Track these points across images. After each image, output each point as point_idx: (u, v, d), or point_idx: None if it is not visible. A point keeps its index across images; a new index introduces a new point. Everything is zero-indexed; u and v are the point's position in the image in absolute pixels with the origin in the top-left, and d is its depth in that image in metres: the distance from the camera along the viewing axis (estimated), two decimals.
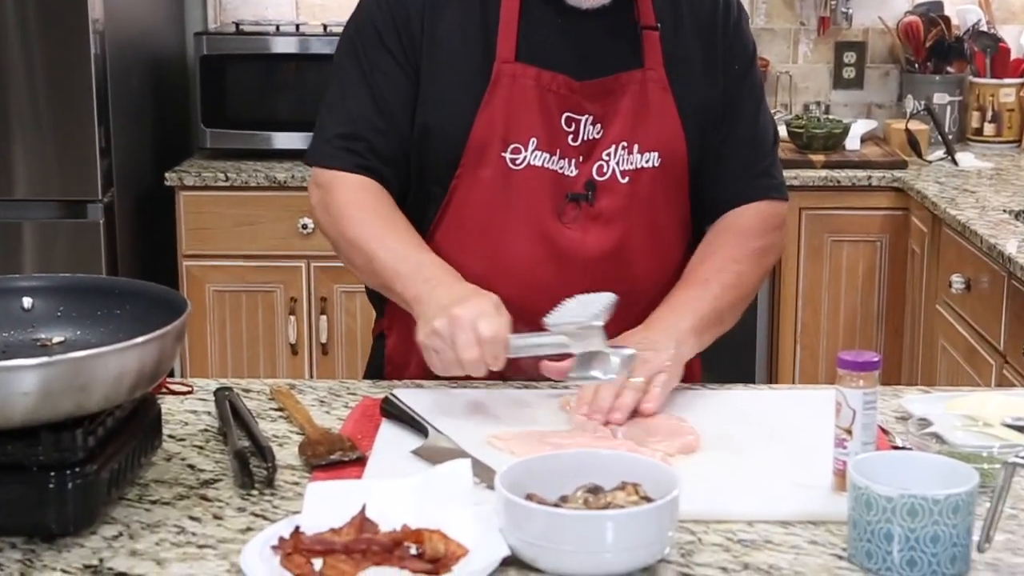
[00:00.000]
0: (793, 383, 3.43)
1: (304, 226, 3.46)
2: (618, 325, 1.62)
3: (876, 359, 1.31)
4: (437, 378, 1.72)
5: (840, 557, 1.21)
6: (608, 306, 1.46)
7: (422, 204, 1.72)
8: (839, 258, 3.46)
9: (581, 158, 1.68)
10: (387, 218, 1.67)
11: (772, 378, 3.52)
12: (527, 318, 1.65)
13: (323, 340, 3.52)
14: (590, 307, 1.46)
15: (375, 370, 1.83)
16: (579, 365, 1.47)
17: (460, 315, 1.48)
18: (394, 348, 1.80)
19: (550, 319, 1.46)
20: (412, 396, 1.58)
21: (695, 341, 1.62)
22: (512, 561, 1.17)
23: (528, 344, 1.49)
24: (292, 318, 3.51)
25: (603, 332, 1.44)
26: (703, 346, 1.64)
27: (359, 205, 1.68)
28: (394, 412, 1.53)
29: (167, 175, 3.46)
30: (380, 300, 1.80)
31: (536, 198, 1.67)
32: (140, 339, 1.26)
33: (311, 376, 3.49)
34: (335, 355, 3.54)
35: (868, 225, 3.45)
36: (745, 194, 1.74)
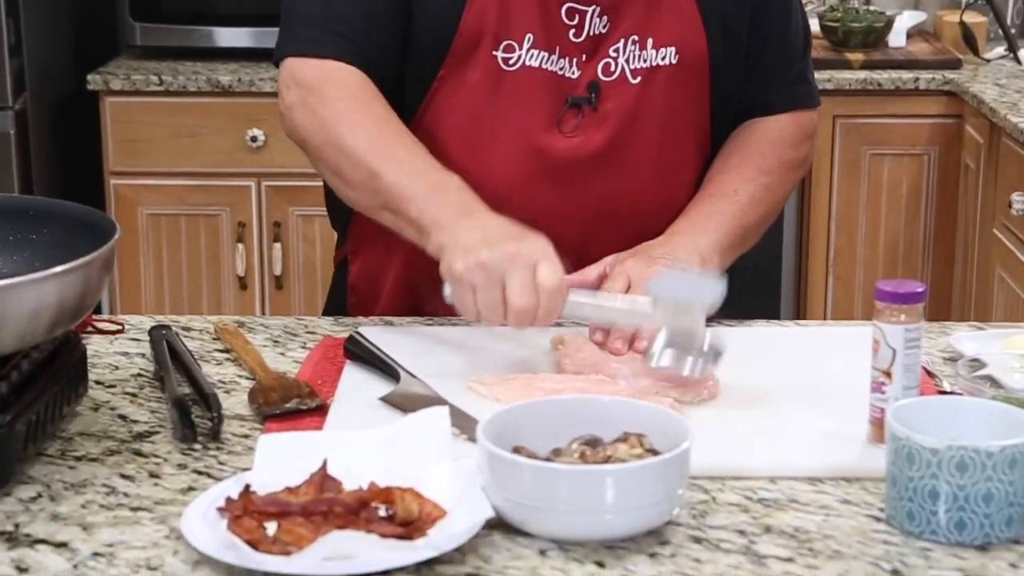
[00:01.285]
0: (824, 319, 3.45)
1: (253, 138, 3.44)
2: (612, 243, 1.62)
3: (920, 289, 1.31)
4: (411, 313, 1.73)
5: (877, 519, 1.22)
6: (719, 298, 1.45)
7: (394, 106, 1.70)
8: (879, 174, 3.46)
9: (584, 56, 1.67)
10: (393, 126, 1.62)
11: (800, 313, 3.53)
12: None
13: (277, 272, 3.52)
14: (698, 285, 1.47)
15: (336, 304, 1.83)
16: (662, 346, 1.45)
17: (520, 252, 1.44)
18: (359, 277, 1.80)
19: (653, 286, 1.46)
20: (381, 335, 1.59)
21: (719, 261, 1.63)
22: (497, 524, 1.18)
23: (594, 305, 1.48)
24: (240, 246, 3.51)
25: (702, 322, 1.45)
26: (726, 264, 1.66)
27: (359, 106, 1.62)
28: (360, 353, 1.53)
29: (90, 78, 3.43)
30: (343, 220, 1.79)
31: (530, 105, 1.66)
32: (60, 268, 1.25)
33: (263, 313, 3.50)
34: (291, 289, 3.54)
35: (914, 135, 3.44)
36: (776, 102, 1.77)
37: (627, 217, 1.67)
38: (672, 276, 1.50)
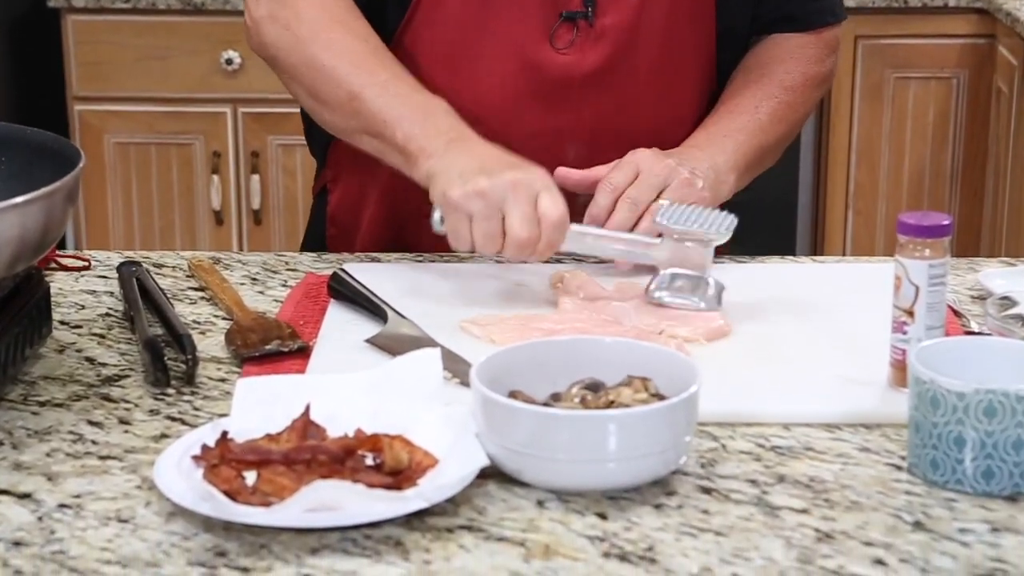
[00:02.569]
0: (843, 255, 3.45)
1: (229, 60, 3.43)
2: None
3: (946, 222, 1.31)
4: (394, 246, 1.73)
5: (898, 467, 1.23)
6: (731, 227, 1.50)
7: (373, 25, 1.69)
8: (904, 100, 3.45)
9: None
10: (373, 43, 1.63)
11: (817, 249, 3.54)
12: None
13: (255, 206, 3.52)
14: (709, 218, 1.50)
15: (316, 238, 1.83)
16: (667, 282, 1.49)
17: (521, 181, 1.46)
18: (338, 206, 1.79)
19: (660, 216, 1.50)
20: (366, 272, 1.59)
21: (735, 181, 1.66)
22: (492, 473, 1.19)
23: (598, 237, 1.51)
24: (215, 177, 3.51)
25: (710, 259, 1.50)
26: (741, 186, 1.68)
27: (336, 22, 1.63)
28: (345, 292, 1.53)
29: None
30: (323, 145, 1.79)
31: (521, 16, 1.66)
32: (20, 199, 1.25)
33: (240, 249, 3.50)
34: (270, 224, 3.54)
35: (942, 57, 3.43)
36: (799, 16, 1.77)
37: (623, 142, 1.67)
38: (680, 210, 1.52)
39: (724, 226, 1.50)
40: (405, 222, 1.72)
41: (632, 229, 1.55)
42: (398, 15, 1.68)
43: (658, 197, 1.56)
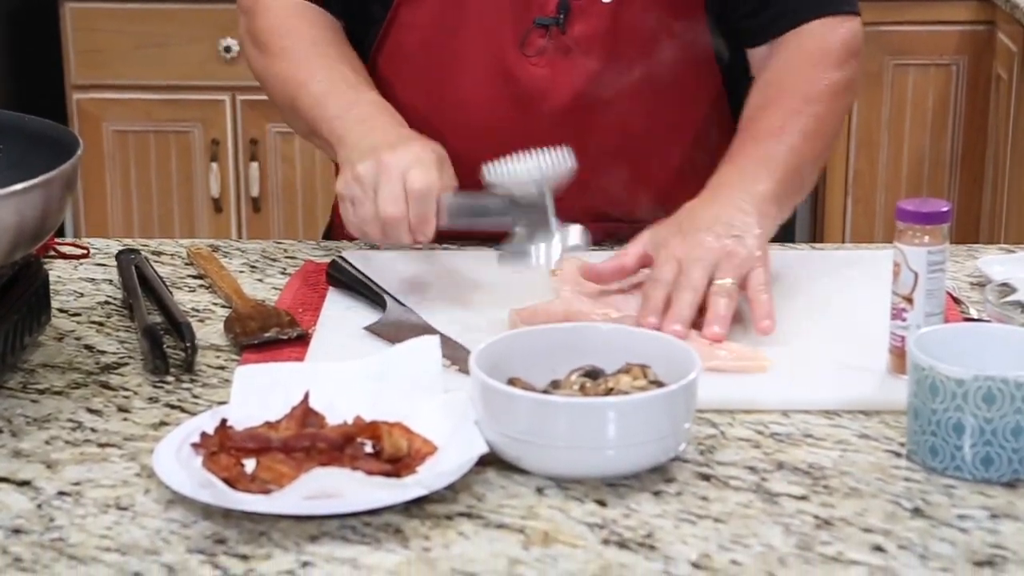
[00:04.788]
0: (842, 242, 3.45)
1: (227, 48, 3.42)
2: (603, 184, 1.61)
3: (945, 208, 1.31)
4: None
5: (897, 454, 1.23)
6: (562, 170, 1.43)
7: (360, 33, 1.71)
8: (903, 87, 3.45)
9: None
10: (323, 49, 1.66)
11: (816, 236, 3.53)
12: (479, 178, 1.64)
13: (254, 193, 3.52)
14: (540, 167, 1.43)
15: (336, 225, 1.83)
16: (515, 242, 1.44)
17: (389, 161, 1.46)
18: None
19: (490, 173, 1.44)
20: (366, 259, 1.59)
21: (776, 211, 1.51)
22: (491, 460, 1.19)
23: (465, 206, 1.47)
24: (214, 165, 3.50)
25: (549, 202, 1.42)
26: (785, 217, 1.55)
27: (289, 33, 1.67)
28: (344, 279, 1.53)
29: None
30: None
31: (494, 22, 1.64)
32: (18, 186, 1.25)
33: (239, 237, 3.50)
34: (269, 211, 3.53)
35: (941, 44, 3.42)
36: (805, 8, 1.65)
37: (615, 157, 1.65)
38: (516, 163, 1.45)
39: (553, 170, 1.43)
40: None
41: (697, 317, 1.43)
42: (381, 17, 1.68)
43: (712, 279, 1.42)
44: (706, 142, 1.67)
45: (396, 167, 1.46)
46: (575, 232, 1.45)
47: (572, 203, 1.54)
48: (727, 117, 1.69)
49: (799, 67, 1.63)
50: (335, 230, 1.81)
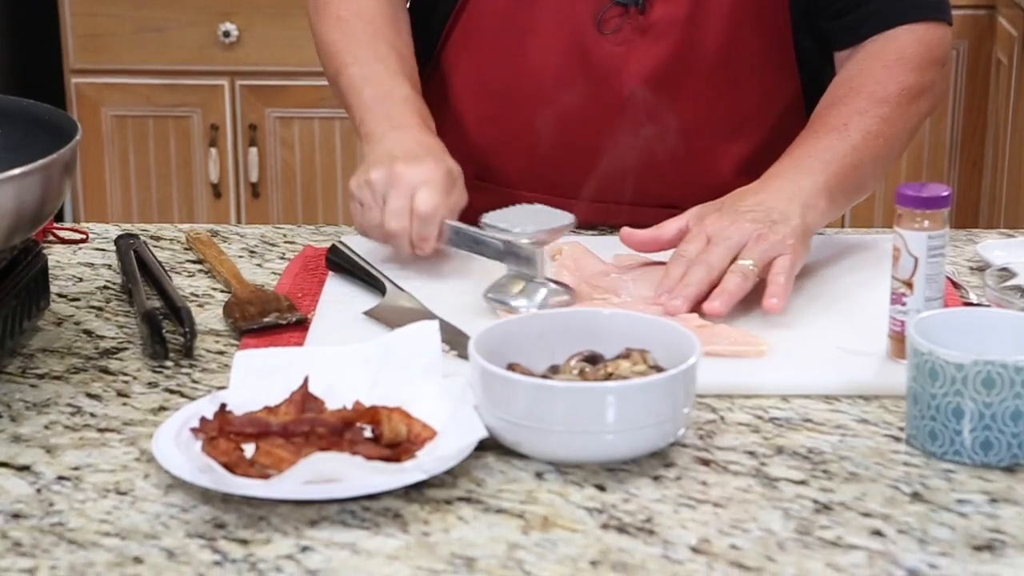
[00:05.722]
0: (841, 227, 3.44)
1: (226, 33, 3.42)
2: (659, 169, 1.61)
3: (945, 193, 1.31)
4: None
5: (896, 439, 1.23)
6: (559, 229, 1.44)
7: (428, 6, 1.71)
8: None
9: None
10: (378, 27, 1.67)
11: None
12: (553, 153, 1.64)
13: (253, 178, 3.51)
14: (538, 221, 1.44)
15: None
16: (501, 283, 1.45)
17: (402, 174, 1.49)
18: None
19: (487, 216, 1.46)
20: (365, 243, 1.59)
21: (826, 205, 1.50)
22: (490, 445, 1.19)
23: (463, 237, 1.49)
24: (213, 150, 3.50)
25: (539, 259, 1.42)
26: (837, 213, 1.55)
27: (351, 2, 1.69)
28: (343, 264, 1.53)
29: None
30: None
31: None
32: (17, 170, 1.25)
33: (238, 222, 3.50)
34: (268, 197, 3.53)
35: None
36: (894, 13, 1.62)
37: (681, 142, 1.64)
38: (515, 211, 1.47)
39: (547, 229, 1.43)
40: None
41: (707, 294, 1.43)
42: None
43: (736, 259, 1.43)
44: (775, 142, 1.64)
45: (407, 183, 1.49)
46: (561, 289, 1.44)
47: (629, 183, 1.55)
48: (801, 120, 1.65)
49: (873, 69, 1.61)
50: None
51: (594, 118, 1.64)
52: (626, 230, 1.50)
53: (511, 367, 1.22)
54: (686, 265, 1.43)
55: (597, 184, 1.64)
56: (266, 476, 1.13)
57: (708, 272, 1.41)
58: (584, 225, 1.59)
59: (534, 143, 1.60)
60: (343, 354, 1.29)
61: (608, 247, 1.56)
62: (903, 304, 1.32)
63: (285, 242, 1.67)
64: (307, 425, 1.17)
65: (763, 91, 1.69)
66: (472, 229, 1.48)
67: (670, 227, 1.49)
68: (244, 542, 1.07)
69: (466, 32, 1.69)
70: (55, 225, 1.65)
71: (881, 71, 1.60)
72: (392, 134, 1.56)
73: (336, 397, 1.22)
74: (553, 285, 1.44)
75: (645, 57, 1.64)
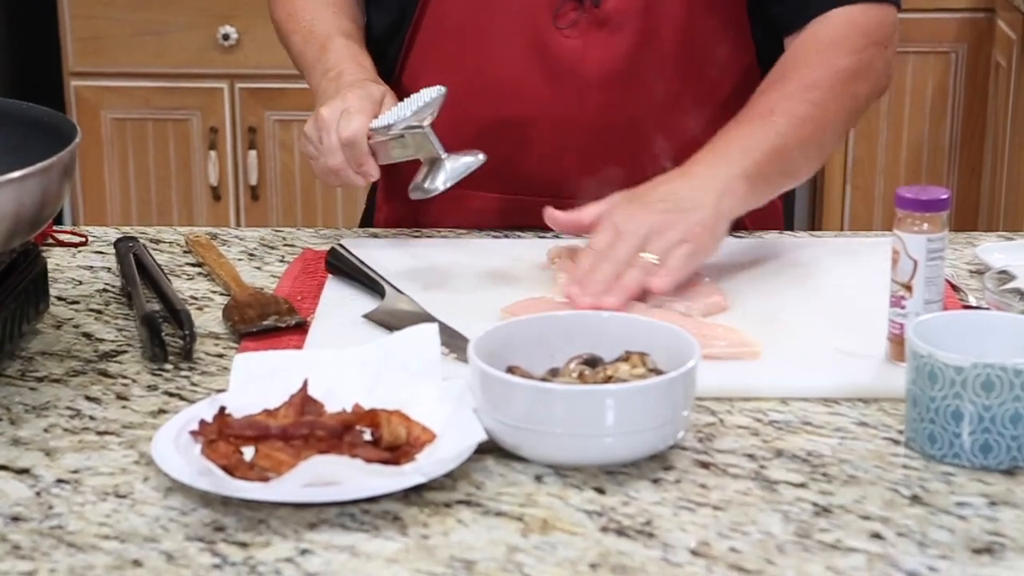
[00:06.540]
0: (841, 230, 3.45)
1: (225, 36, 3.42)
2: (622, 161, 1.62)
3: (944, 196, 1.31)
4: (416, 223, 1.72)
5: (896, 442, 1.23)
6: (432, 101, 1.50)
7: (385, 34, 1.72)
8: (902, 74, 3.44)
9: None
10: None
11: (815, 224, 3.53)
12: (518, 152, 1.64)
13: (252, 181, 3.51)
14: (416, 105, 1.51)
15: (367, 213, 1.85)
16: (418, 176, 1.52)
17: (324, 115, 1.54)
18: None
19: (374, 122, 1.52)
20: (364, 247, 1.59)
21: (746, 191, 1.50)
22: (490, 448, 1.19)
23: (380, 145, 1.54)
24: (212, 153, 3.50)
25: (430, 133, 1.50)
26: (761, 200, 1.54)
27: None
28: (342, 267, 1.53)
29: None
30: None
31: None
32: (16, 173, 1.25)
33: (237, 225, 3.50)
34: (267, 200, 3.53)
35: (940, 32, 3.42)
36: None
37: (645, 128, 1.65)
38: (398, 107, 1.53)
39: (425, 104, 1.50)
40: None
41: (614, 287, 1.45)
42: None
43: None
44: (733, 113, 1.63)
45: (330, 119, 1.53)
46: (467, 157, 1.51)
47: (599, 173, 1.56)
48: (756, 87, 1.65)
49: (807, 53, 1.61)
50: (374, 215, 1.82)
51: (558, 114, 1.65)
52: (549, 209, 1.52)
53: (510, 370, 1.22)
54: (595, 258, 1.45)
55: (565, 181, 1.65)
56: (265, 479, 1.13)
57: (614, 268, 1.43)
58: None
59: (498, 143, 1.60)
60: (342, 357, 1.29)
61: None
62: (902, 307, 1.32)
63: (284, 245, 1.67)
64: (306, 428, 1.17)
65: (718, 70, 1.69)
66: (383, 136, 1.52)
67: (590, 212, 1.50)
68: (243, 545, 1.07)
69: (424, 48, 1.70)
70: (54, 228, 1.65)
71: (813, 55, 1.60)
72: (324, 84, 1.61)
73: (335, 400, 1.22)
74: (455, 154, 1.50)
75: (604, 50, 1.65)
